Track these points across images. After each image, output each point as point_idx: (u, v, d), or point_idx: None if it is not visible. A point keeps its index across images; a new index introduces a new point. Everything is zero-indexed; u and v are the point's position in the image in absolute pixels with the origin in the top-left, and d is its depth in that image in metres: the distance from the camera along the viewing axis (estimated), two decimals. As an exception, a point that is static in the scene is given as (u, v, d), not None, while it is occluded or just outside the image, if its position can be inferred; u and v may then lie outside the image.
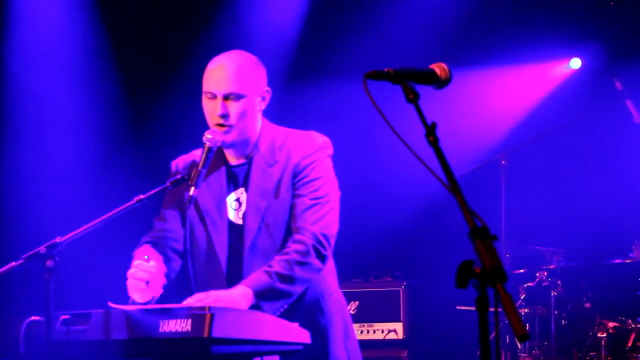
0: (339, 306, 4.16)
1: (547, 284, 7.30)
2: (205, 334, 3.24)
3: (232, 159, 4.12)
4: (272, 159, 4.05)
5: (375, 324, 7.67)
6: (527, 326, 7.33)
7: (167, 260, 4.08)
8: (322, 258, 3.93)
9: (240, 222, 4.04)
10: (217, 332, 3.26)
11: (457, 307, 7.55)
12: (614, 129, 7.82)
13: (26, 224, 7.24)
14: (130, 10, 8.28)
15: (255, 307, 3.72)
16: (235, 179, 4.10)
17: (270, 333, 3.49)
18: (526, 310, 7.37)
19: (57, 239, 3.51)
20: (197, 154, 4.20)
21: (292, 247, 3.89)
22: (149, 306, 3.65)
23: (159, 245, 4.12)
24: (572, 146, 8.03)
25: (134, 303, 3.73)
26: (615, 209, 7.77)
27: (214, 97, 3.99)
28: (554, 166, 8.15)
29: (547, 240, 7.65)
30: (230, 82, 3.97)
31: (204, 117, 4.08)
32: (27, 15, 7.62)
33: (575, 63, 8.29)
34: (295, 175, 4.02)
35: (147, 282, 3.77)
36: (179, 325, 3.31)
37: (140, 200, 3.77)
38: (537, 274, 7.37)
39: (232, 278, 3.96)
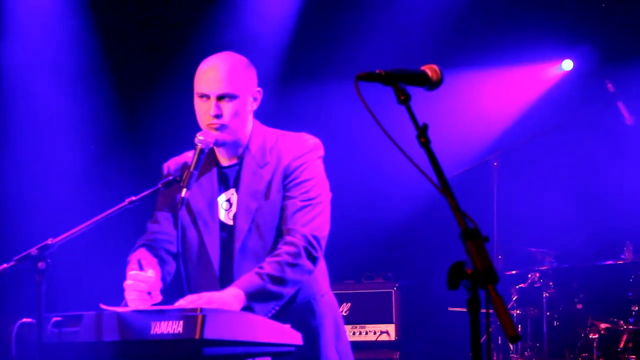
0: (331, 307, 4.16)
1: (539, 285, 7.31)
2: (197, 336, 3.24)
3: (223, 159, 4.12)
4: (262, 160, 4.05)
5: (367, 326, 7.67)
6: (519, 327, 7.34)
7: (162, 263, 4.08)
8: (313, 259, 3.93)
9: (230, 222, 4.04)
10: (209, 334, 3.26)
11: (449, 309, 7.56)
12: (605, 131, 7.83)
13: (17, 226, 7.22)
14: (123, 11, 8.27)
15: (246, 308, 3.72)
16: (226, 180, 4.10)
17: (262, 334, 3.49)
18: (518, 312, 7.38)
19: (49, 241, 3.51)
20: (189, 156, 4.21)
21: (283, 248, 3.89)
22: (141, 308, 3.64)
23: (154, 248, 4.12)
24: (564, 148, 8.04)
25: (126, 304, 3.73)
26: (607, 210, 7.78)
27: (207, 98, 3.99)
28: (546, 168, 8.16)
29: (539, 242, 7.66)
30: (223, 82, 3.97)
31: (195, 118, 4.08)
32: (20, 16, 7.60)
33: (567, 65, 8.30)
34: (286, 176, 4.02)
35: (149, 293, 3.78)
36: (171, 327, 3.30)
37: (132, 202, 3.77)
38: (529, 275, 7.38)
39: (224, 279, 3.97)
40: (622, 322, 7.03)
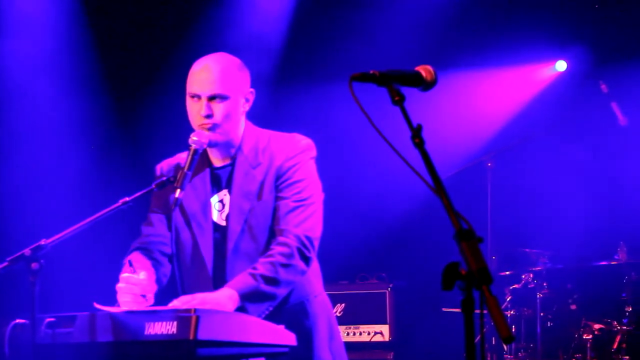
0: (324, 308, 4.16)
1: (533, 286, 7.32)
2: (191, 337, 3.24)
3: (216, 160, 4.12)
4: (255, 161, 4.05)
5: (361, 326, 7.67)
6: (513, 328, 7.35)
7: (157, 266, 4.08)
8: (306, 260, 3.93)
9: (223, 223, 4.04)
10: (203, 335, 3.26)
11: (443, 309, 7.57)
12: (599, 132, 7.84)
13: (11, 226, 7.21)
14: (117, 13, 8.26)
15: (240, 309, 3.72)
16: (219, 181, 4.10)
17: (256, 335, 3.49)
18: (512, 312, 7.39)
19: (42, 242, 3.50)
20: (182, 157, 4.21)
21: (276, 249, 3.89)
22: (134, 308, 3.64)
23: (148, 250, 4.12)
24: (558, 148, 8.05)
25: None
26: (601, 211, 7.79)
27: (199, 98, 3.99)
28: (540, 168, 8.17)
29: (533, 243, 7.67)
30: (215, 83, 3.97)
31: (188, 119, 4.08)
32: (17, 17, 7.59)
33: (561, 65, 8.31)
34: (278, 177, 4.02)
35: (143, 296, 3.77)
36: (165, 328, 3.30)
37: (125, 203, 3.76)
38: (523, 276, 7.39)
39: (217, 280, 3.97)
40: (615, 323, 7.04)
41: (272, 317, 3.76)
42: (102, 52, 8.08)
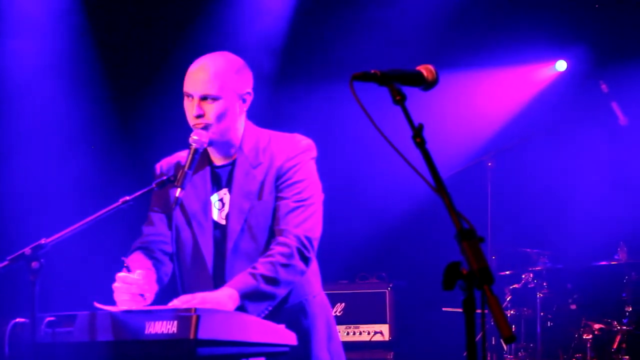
0: (323, 308, 4.16)
1: (533, 285, 7.32)
2: (191, 336, 3.23)
3: (216, 159, 4.12)
4: (255, 161, 4.05)
5: (361, 326, 7.67)
6: (513, 328, 7.34)
7: (158, 265, 4.08)
8: (305, 260, 3.93)
9: (223, 222, 4.04)
10: (203, 334, 3.25)
11: (444, 309, 7.57)
12: (599, 131, 7.84)
13: (10, 225, 7.20)
14: (117, 11, 8.26)
15: (239, 308, 3.71)
16: (219, 180, 4.10)
17: (256, 335, 3.49)
18: (512, 312, 7.39)
19: (42, 241, 3.50)
20: (181, 156, 4.21)
21: (275, 249, 3.89)
22: (135, 308, 3.64)
23: (149, 250, 4.12)
24: (558, 148, 8.05)
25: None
26: (601, 211, 7.79)
27: (192, 98, 3.99)
28: (540, 168, 8.17)
29: (533, 242, 7.67)
30: (206, 84, 3.97)
31: (188, 118, 4.08)
32: (16, 17, 7.58)
33: (561, 65, 8.31)
34: (278, 177, 4.02)
35: (142, 295, 3.77)
36: (165, 327, 3.29)
37: (125, 202, 3.76)
38: (523, 276, 7.39)
39: (217, 279, 3.97)
40: (615, 323, 7.04)
41: (271, 317, 3.76)
42: (102, 51, 8.07)
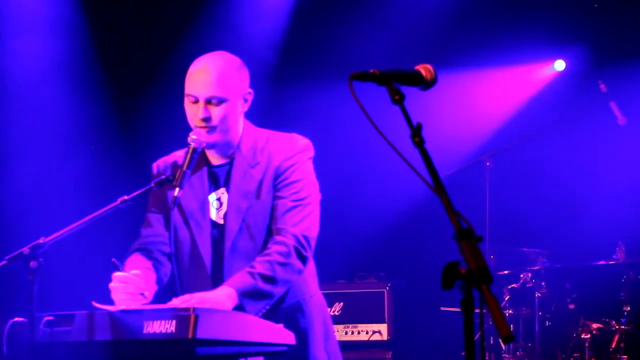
0: (320, 307, 4.17)
1: (531, 285, 7.32)
2: (190, 335, 3.23)
3: (214, 159, 4.12)
4: (253, 160, 4.05)
5: (359, 325, 7.67)
6: (512, 327, 7.34)
7: (158, 266, 4.09)
8: (303, 259, 3.94)
9: (221, 221, 4.05)
10: (202, 334, 3.25)
11: (442, 308, 7.56)
12: (598, 131, 7.84)
13: (9, 225, 7.20)
14: (116, 12, 8.25)
15: (237, 307, 3.72)
16: (217, 179, 4.10)
17: (255, 334, 3.49)
18: (510, 312, 7.39)
19: (41, 240, 3.50)
20: (178, 155, 4.21)
21: (273, 248, 3.90)
22: (133, 307, 3.63)
23: (148, 251, 4.12)
24: (557, 148, 8.04)
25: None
26: (599, 210, 7.79)
27: (196, 100, 3.98)
28: (539, 168, 8.17)
29: (531, 242, 7.67)
30: (213, 86, 3.96)
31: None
32: (14, 18, 7.58)
33: (560, 65, 8.31)
34: (276, 177, 4.02)
35: (142, 294, 3.78)
36: (164, 327, 3.29)
37: (124, 201, 3.76)
38: (522, 276, 7.39)
39: (215, 278, 3.97)
40: (614, 322, 7.04)
41: (268, 316, 3.76)
42: (102, 51, 8.07)
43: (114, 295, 3.77)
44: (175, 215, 4.09)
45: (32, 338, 3.42)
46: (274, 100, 7.90)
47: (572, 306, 7.29)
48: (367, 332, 7.64)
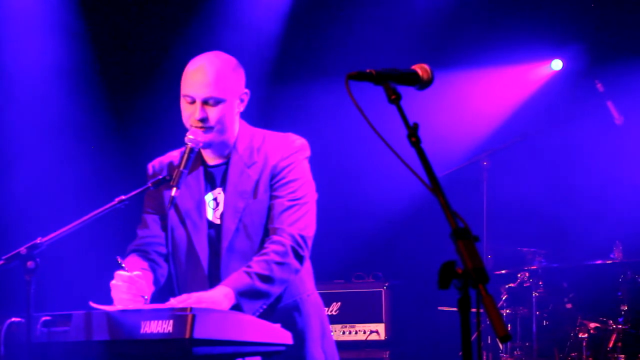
0: (316, 307, 4.17)
1: (528, 284, 7.32)
2: (187, 335, 3.24)
3: (210, 159, 4.12)
4: (250, 160, 4.05)
5: (357, 325, 7.67)
6: (509, 327, 7.35)
7: (154, 266, 4.09)
8: (300, 259, 3.94)
9: (218, 221, 4.05)
10: (199, 333, 3.25)
11: (439, 308, 7.57)
12: (595, 130, 7.84)
13: (8, 226, 7.20)
14: (112, 12, 8.25)
15: (235, 307, 3.72)
16: (213, 179, 4.10)
17: (252, 334, 3.49)
18: (508, 311, 7.39)
19: (38, 240, 3.50)
20: (174, 155, 4.22)
21: (270, 247, 3.90)
22: (130, 307, 3.64)
23: (145, 252, 4.12)
24: (554, 147, 8.05)
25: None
26: (597, 210, 7.79)
27: (193, 100, 3.98)
28: (536, 167, 8.17)
29: (528, 241, 7.67)
30: (209, 86, 3.96)
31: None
32: (11, 17, 7.58)
33: (557, 64, 8.31)
34: (273, 176, 4.03)
35: (143, 297, 3.78)
36: (161, 327, 3.29)
37: (121, 201, 3.76)
38: (519, 275, 7.38)
39: (212, 278, 3.97)
40: (611, 322, 7.04)
41: (265, 316, 3.77)
42: (98, 51, 8.06)
43: (115, 294, 3.77)
44: (172, 215, 4.09)
45: (30, 338, 3.42)
46: (271, 99, 7.90)
47: (569, 305, 7.29)
48: (364, 332, 7.64)
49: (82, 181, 7.71)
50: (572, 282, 7.34)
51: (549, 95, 8.30)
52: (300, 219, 3.98)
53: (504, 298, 7.41)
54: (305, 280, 4.12)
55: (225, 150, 4.09)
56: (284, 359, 3.70)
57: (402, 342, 7.72)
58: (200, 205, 4.07)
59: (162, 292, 4.03)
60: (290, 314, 4.02)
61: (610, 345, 6.97)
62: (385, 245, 8.41)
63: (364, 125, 2.76)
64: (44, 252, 3.48)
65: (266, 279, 3.83)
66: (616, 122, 7.49)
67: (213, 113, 3.97)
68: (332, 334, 4.30)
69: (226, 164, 4.09)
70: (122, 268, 3.81)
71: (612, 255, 7.13)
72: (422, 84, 2.95)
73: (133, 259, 4.06)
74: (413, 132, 2.65)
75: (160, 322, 3.30)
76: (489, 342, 7.36)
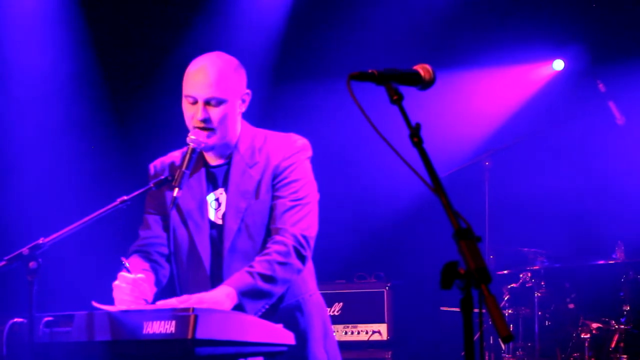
0: (318, 307, 4.17)
1: (530, 285, 7.32)
2: (189, 336, 3.23)
3: (212, 159, 4.12)
4: (252, 160, 4.05)
5: (359, 325, 7.66)
6: (511, 327, 7.34)
7: (156, 267, 4.09)
8: (302, 259, 3.94)
9: (220, 222, 4.05)
10: (201, 334, 3.25)
11: (441, 308, 7.57)
12: (596, 131, 7.84)
13: (9, 226, 7.20)
14: (113, 11, 8.25)
15: (237, 307, 3.72)
16: (215, 180, 4.10)
17: (254, 334, 3.49)
18: (510, 311, 7.39)
19: (40, 240, 3.50)
20: (175, 156, 4.22)
21: (272, 247, 3.90)
22: (133, 307, 3.64)
23: (147, 253, 4.12)
24: (555, 148, 8.05)
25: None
26: (598, 210, 7.79)
27: (195, 101, 3.98)
28: (538, 167, 8.17)
29: (530, 242, 7.67)
30: (211, 87, 3.96)
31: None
32: (11, 18, 7.58)
33: (558, 65, 8.31)
34: (275, 176, 4.03)
35: (145, 300, 3.78)
36: (163, 327, 3.29)
37: (123, 202, 3.76)
38: (521, 275, 7.38)
39: (214, 278, 3.97)
40: (613, 322, 7.04)
41: (267, 316, 3.76)
42: (99, 51, 8.07)
43: (117, 294, 3.77)
44: (174, 216, 4.09)
45: (32, 339, 3.42)
46: (273, 99, 7.90)
47: (571, 306, 7.29)
48: (366, 332, 7.64)
49: (84, 181, 7.71)
50: (574, 283, 7.34)
51: (550, 95, 8.30)
52: (303, 219, 3.98)
53: (506, 298, 7.41)
54: (307, 281, 4.12)
55: (227, 150, 4.09)
56: (286, 359, 3.70)
57: (405, 342, 7.72)
58: (202, 206, 4.06)
59: (164, 293, 4.02)
60: (292, 314, 4.02)
61: (613, 345, 6.97)
62: (388, 245, 8.41)
63: (366, 125, 2.76)
64: (46, 252, 3.48)
65: (268, 279, 3.82)
66: (618, 122, 7.48)
67: (215, 113, 3.97)
68: (334, 334, 4.30)
69: (228, 164, 4.09)
70: (127, 269, 3.81)
71: (614, 256, 7.13)
72: (424, 84, 2.95)
73: (135, 260, 4.06)
74: (415, 133, 2.65)
75: (162, 322, 3.30)
76: (492, 342, 7.36)
